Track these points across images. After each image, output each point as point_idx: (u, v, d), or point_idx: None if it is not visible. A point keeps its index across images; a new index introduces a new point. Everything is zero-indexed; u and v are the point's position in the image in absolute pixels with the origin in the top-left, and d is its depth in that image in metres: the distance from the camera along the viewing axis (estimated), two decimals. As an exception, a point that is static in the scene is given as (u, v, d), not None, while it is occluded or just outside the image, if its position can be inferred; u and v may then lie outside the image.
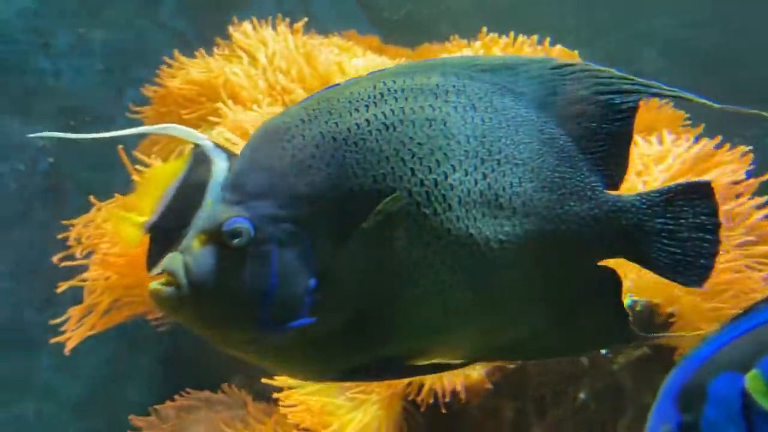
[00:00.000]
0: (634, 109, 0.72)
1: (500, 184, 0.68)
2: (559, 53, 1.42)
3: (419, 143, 0.67)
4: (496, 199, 0.68)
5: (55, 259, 1.28)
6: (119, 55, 2.11)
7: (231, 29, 1.45)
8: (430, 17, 2.22)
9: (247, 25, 1.45)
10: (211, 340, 0.67)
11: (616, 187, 0.73)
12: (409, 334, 0.67)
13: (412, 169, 0.66)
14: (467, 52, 1.49)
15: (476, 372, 1.02)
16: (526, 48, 1.44)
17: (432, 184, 0.66)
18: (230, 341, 0.67)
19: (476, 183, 0.68)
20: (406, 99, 0.68)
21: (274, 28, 1.45)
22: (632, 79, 0.73)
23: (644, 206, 0.72)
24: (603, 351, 1.11)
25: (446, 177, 0.67)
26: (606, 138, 0.72)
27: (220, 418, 1.24)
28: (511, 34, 1.47)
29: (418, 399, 1.01)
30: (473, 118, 0.69)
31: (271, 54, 1.38)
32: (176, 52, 1.45)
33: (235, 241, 0.62)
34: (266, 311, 0.63)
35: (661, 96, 0.75)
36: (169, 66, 1.44)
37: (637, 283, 1.07)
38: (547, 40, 1.44)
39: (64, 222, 1.31)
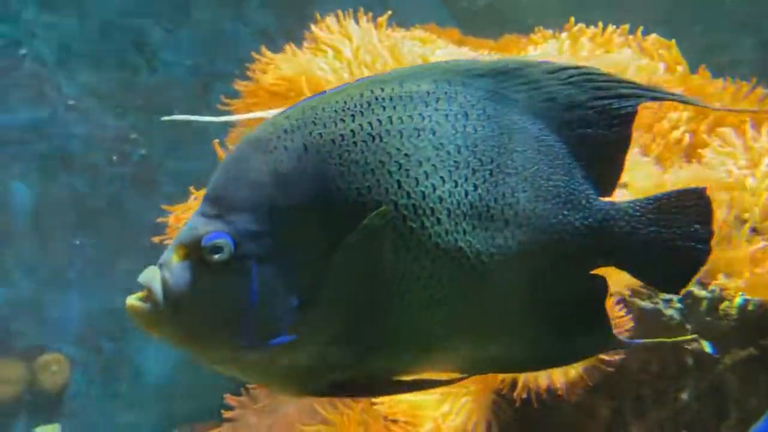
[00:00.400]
0: (632, 114, 0.70)
1: (492, 195, 0.66)
2: (654, 43, 1.37)
3: (406, 154, 0.65)
4: (488, 211, 0.66)
5: (156, 239, 1.33)
6: (206, 51, 2.18)
7: (314, 24, 1.46)
8: (513, 7, 2.18)
9: (330, 20, 1.46)
10: (191, 356, 0.66)
11: (609, 193, 0.71)
12: (395, 350, 0.66)
13: (398, 182, 0.64)
14: (553, 44, 1.46)
15: (574, 370, 1.00)
16: (616, 38, 1.40)
17: (420, 197, 0.64)
18: (209, 358, 0.65)
19: (467, 194, 0.66)
20: (395, 108, 0.66)
21: (357, 22, 1.46)
22: (632, 83, 0.71)
23: (637, 214, 0.70)
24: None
25: (435, 189, 0.65)
26: (603, 144, 0.70)
27: (310, 400, 1.26)
28: (600, 24, 1.41)
29: (514, 394, 1.00)
30: (465, 126, 0.67)
31: (355, 48, 1.39)
32: (263, 48, 1.48)
33: (215, 257, 0.61)
34: (246, 329, 0.62)
35: (661, 100, 0.74)
36: (256, 61, 1.46)
37: (751, 281, 1.03)
38: (640, 29, 1.39)
39: (164, 207, 1.36)
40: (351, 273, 0.63)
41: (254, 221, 0.62)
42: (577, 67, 0.71)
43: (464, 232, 0.65)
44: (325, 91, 0.68)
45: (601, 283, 0.71)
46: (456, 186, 0.65)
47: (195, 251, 0.62)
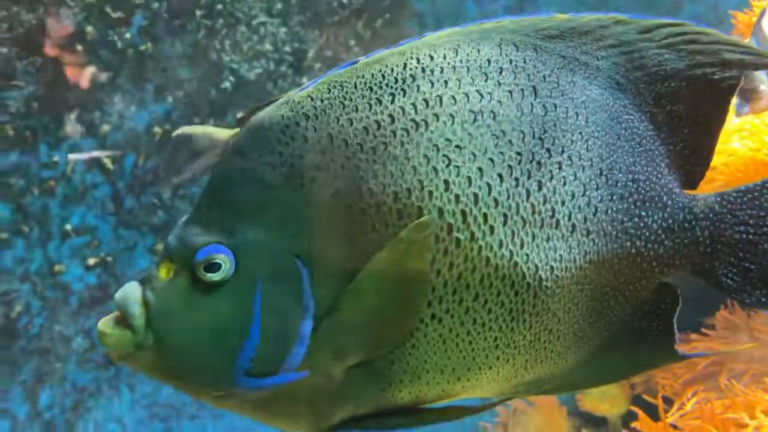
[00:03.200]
0: (734, 87, 0.58)
1: (559, 196, 0.55)
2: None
3: (458, 146, 0.52)
4: (552, 216, 0.55)
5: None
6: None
7: None
8: None
9: None
10: (176, 388, 0.55)
11: (695, 184, 0.62)
12: (424, 381, 0.55)
13: (446, 182, 0.52)
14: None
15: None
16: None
17: (471, 201, 0.53)
18: (199, 394, 0.54)
19: (529, 195, 0.54)
20: (446, 83, 0.53)
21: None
22: (741, 46, 0.58)
23: (724, 210, 0.60)
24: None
25: (490, 190, 0.53)
26: (695, 125, 0.59)
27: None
28: None
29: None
30: (533, 106, 0.54)
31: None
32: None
33: (212, 275, 0.50)
34: (245, 364, 0.51)
35: None
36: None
37: None
38: None
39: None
40: (379, 295, 0.51)
41: (263, 231, 0.51)
42: (676, 25, 0.58)
43: (522, 243, 0.54)
44: (358, 59, 0.54)
45: (673, 294, 0.62)
46: (517, 185, 0.54)
47: (186, 267, 0.50)
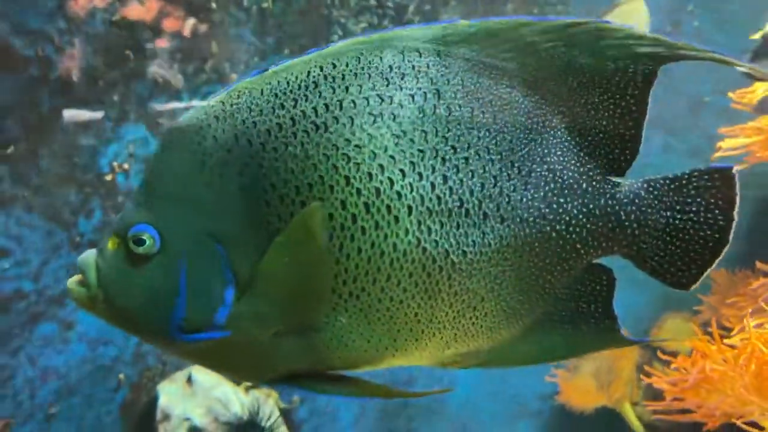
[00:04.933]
0: (651, 78, 0.59)
1: (467, 187, 0.58)
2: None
3: (358, 145, 0.56)
4: (461, 206, 0.58)
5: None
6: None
7: None
8: None
9: None
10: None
11: (622, 170, 0.63)
12: (352, 348, 0.60)
13: (347, 178, 0.56)
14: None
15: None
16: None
17: (373, 194, 0.56)
18: (149, 342, 0.63)
19: (434, 188, 0.57)
20: (347, 89, 0.56)
21: None
22: (654, 39, 0.59)
23: (650, 197, 0.62)
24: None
25: (392, 184, 0.57)
26: (614, 114, 0.60)
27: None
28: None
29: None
30: (435, 107, 0.57)
31: None
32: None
33: (140, 248, 0.58)
34: (176, 322, 0.58)
35: (689, 59, 0.60)
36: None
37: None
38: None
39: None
40: (289, 270, 0.57)
41: (184, 215, 0.57)
42: (582, 23, 0.59)
43: (429, 231, 0.58)
44: (268, 68, 0.58)
45: (607, 275, 0.64)
46: (420, 179, 0.57)
47: (123, 241, 0.59)
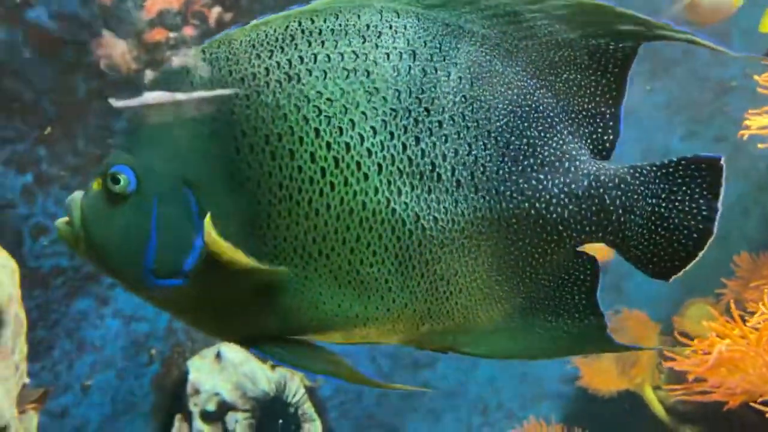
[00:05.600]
0: (631, 57, 0.59)
1: (440, 151, 0.56)
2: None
3: (329, 99, 0.56)
4: (432, 169, 0.56)
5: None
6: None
7: None
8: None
9: None
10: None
11: (607, 153, 0.62)
12: (322, 311, 0.59)
13: (316, 130, 0.56)
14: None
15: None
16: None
17: (342, 149, 0.56)
18: (124, 285, 0.63)
19: (405, 148, 0.56)
20: (323, 43, 0.57)
21: None
22: (633, 17, 0.58)
23: (636, 182, 0.60)
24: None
25: (362, 140, 0.56)
26: (595, 92, 0.59)
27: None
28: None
29: None
30: (410, 68, 0.56)
31: None
32: None
33: (115, 187, 0.58)
34: (148, 264, 0.58)
35: (667, 39, 0.59)
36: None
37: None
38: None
39: None
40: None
41: (158, 159, 0.58)
42: None
43: (399, 192, 0.56)
44: (250, 21, 0.59)
45: (591, 264, 0.61)
46: (392, 138, 0.56)
47: (104, 181, 0.59)
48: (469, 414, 2.29)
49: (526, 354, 0.65)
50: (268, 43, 0.56)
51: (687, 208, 0.60)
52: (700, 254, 0.60)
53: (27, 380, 1.27)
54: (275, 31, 0.57)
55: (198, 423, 1.78)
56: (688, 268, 0.61)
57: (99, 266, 0.61)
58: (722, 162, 0.61)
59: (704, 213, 0.59)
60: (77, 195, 0.61)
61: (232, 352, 1.86)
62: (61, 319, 1.76)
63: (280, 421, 1.80)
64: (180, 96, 0.57)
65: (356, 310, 0.59)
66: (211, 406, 1.80)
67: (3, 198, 1.67)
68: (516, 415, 2.31)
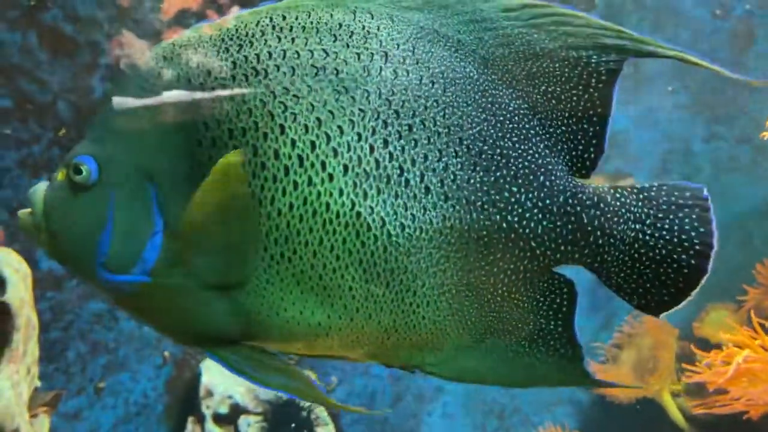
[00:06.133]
0: (615, 72, 0.56)
1: (408, 155, 0.54)
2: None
3: (296, 96, 0.54)
4: (401, 174, 0.54)
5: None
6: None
7: None
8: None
9: None
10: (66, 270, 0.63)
11: (587, 171, 0.58)
12: (284, 318, 0.57)
13: (281, 126, 0.54)
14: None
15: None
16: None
17: (308, 147, 0.54)
18: (83, 280, 0.61)
19: (372, 150, 0.54)
20: (293, 40, 0.55)
21: None
22: (619, 32, 0.56)
23: (616, 203, 0.57)
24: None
25: (329, 140, 0.54)
26: (577, 107, 0.56)
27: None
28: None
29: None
30: (382, 69, 0.55)
31: None
32: None
33: (77, 177, 0.57)
34: (102, 259, 0.56)
35: (655, 56, 0.56)
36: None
37: None
38: None
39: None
40: (205, 219, 0.54)
41: (121, 150, 0.57)
42: (542, 6, 0.56)
43: (365, 195, 0.54)
44: (224, 17, 0.58)
45: (568, 287, 0.58)
46: (359, 139, 0.54)
47: (67, 171, 0.58)
48: (484, 418, 2.27)
49: (498, 380, 0.61)
50: (237, 37, 0.55)
51: (677, 240, 0.56)
52: (694, 293, 0.57)
53: (38, 383, 1.27)
54: (246, 26, 0.55)
55: (210, 425, 1.78)
56: (680, 306, 0.57)
57: (55, 257, 0.60)
58: (706, 193, 0.57)
59: (697, 248, 0.55)
60: (41, 185, 0.60)
61: (245, 354, 1.85)
62: (75, 321, 1.77)
63: (293, 424, 1.79)
64: (198, 95, 0.55)
65: (318, 318, 0.56)
66: (224, 409, 1.80)
67: (17, 200, 1.68)
68: (531, 420, 2.29)
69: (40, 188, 0.60)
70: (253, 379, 0.58)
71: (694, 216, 0.56)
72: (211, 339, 0.58)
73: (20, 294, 1.21)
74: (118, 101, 0.57)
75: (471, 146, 0.54)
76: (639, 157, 2.29)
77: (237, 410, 1.80)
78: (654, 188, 0.57)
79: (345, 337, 0.57)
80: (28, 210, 0.60)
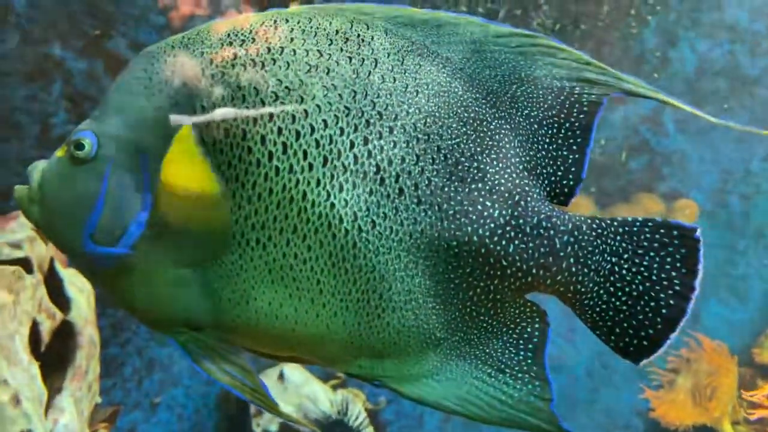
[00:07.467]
0: (597, 105, 0.57)
1: (387, 156, 0.56)
2: None
3: (288, 87, 0.57)
4: (377, 171, 0.56)
5: None
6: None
7: None
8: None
9: None
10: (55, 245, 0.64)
11: (565, 198, 0.58)
12: (253, 308, 0.58)
13: (270, 114, 0.57)
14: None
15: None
16: None
17: (292, 135, 0.56)
18: (66, 252, 0.64)
19: (353, 146, 0.56)
20: (292, 40, 0.59)
21: None
22: (601, 68, 0.58)
23: (593, 234, 0.56)
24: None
25: (313, 131, 0.57)
26: (558, 134, 0.58)
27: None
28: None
29: None
30: (370, 74, 0.58)
31: None
32: None
33: (79, 152, 0.59)
34: (90, 230, 0.58)
35: (636, 95, 0.58)
36: None
37: None
38: None
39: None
40: (174, 195, 0.57)
41: (121, 127, 0.59)
42: (530, 36, 0.59)
43: (340, 187, 0.56)
44: (234, 17, 0.62)
45: (541, 318, 0.57)
46: (341, 134, 0.57)
47: (68, 147, 0.60)
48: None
49: (460, 409, 0.58)
50: (242, 33, 0.59)
51: (655, 278, 0.54)
52: (672, 336, 0.54)
53: (99, 399, 1.31)
54: (251, 25, 0.60)
55: (261, 443, 1.80)
56: (659, 352, 0.54)
57: (45, 228, 0.62)
58: (698, 234, 0.55)
59: (677, 288, 0.54)
60: (41, 162, 0.63)
61: (295, 373, 1.87)
62: (132, 338, 1.82)
63: (341, 444, 1.79)
64: (251, 112, 0.58)
65: (286, 311, 0.58)
66: (274, 427, 1.82)
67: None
68: (585, 446, 2.23)
69: (40, 164, 0.62)
70: (206, 371, 0.60)
71: (678, 256, 0.54)
72: (180, 322, 0.60)
73: (84, 313, 1.26)
74: (120, 82, 0.61)
75: (449, 156, 0.56)
76: (696, 177, 2.23)
77: (287, 429, 1.82)
78: (638, 223, 0.57)
79: (310, 335, 0.59)
80: (26, 186, 0.62)
